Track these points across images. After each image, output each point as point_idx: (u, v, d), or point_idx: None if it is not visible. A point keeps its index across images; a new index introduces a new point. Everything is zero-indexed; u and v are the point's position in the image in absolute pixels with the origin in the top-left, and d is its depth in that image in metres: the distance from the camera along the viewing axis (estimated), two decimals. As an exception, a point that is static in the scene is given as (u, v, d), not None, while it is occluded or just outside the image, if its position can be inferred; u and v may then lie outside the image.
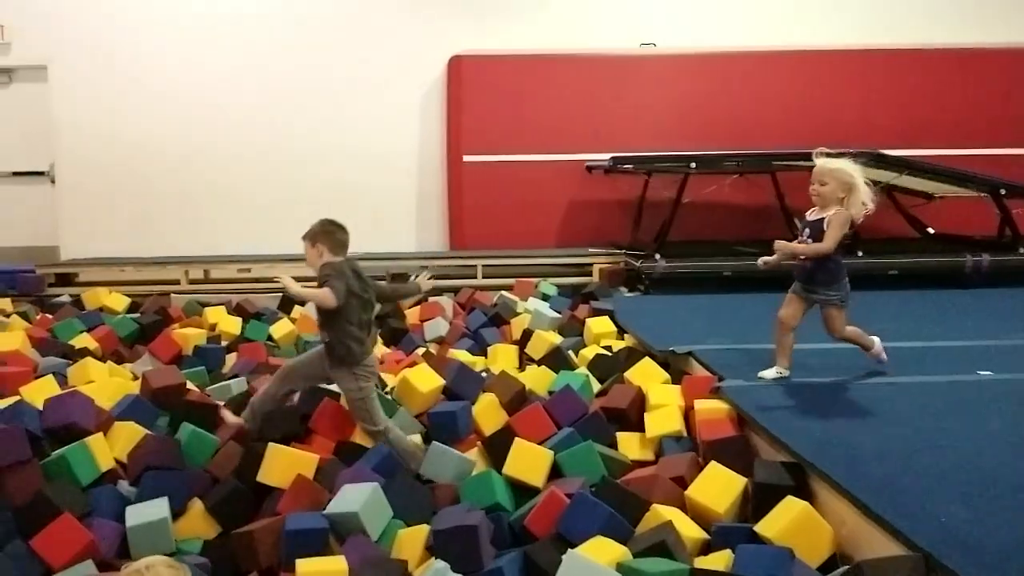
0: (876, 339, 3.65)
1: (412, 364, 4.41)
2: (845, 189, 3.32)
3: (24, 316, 5.49)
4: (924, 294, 6.05)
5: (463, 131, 7.78)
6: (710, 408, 3.30)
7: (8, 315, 5.40)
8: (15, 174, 8.33)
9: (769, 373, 3.54)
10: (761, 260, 3.61)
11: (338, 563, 2.34)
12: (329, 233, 3.36)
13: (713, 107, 7.77)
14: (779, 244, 3.50)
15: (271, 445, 3.01)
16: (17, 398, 3.45)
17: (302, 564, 2.31)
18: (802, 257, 3.46)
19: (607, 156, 6.58)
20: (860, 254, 6.20)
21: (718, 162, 6.46)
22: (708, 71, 7.86)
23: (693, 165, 6.31)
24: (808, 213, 3.51)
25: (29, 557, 2.50)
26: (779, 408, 3.18)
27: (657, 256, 6.26)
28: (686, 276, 6.28)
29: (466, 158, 7.76)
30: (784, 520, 2.38)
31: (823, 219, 3.36)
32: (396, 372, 4.30)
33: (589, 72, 7.80)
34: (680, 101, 7.81)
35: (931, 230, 7.15)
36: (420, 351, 4.92)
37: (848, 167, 3.36)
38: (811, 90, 7.82)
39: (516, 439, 3.08)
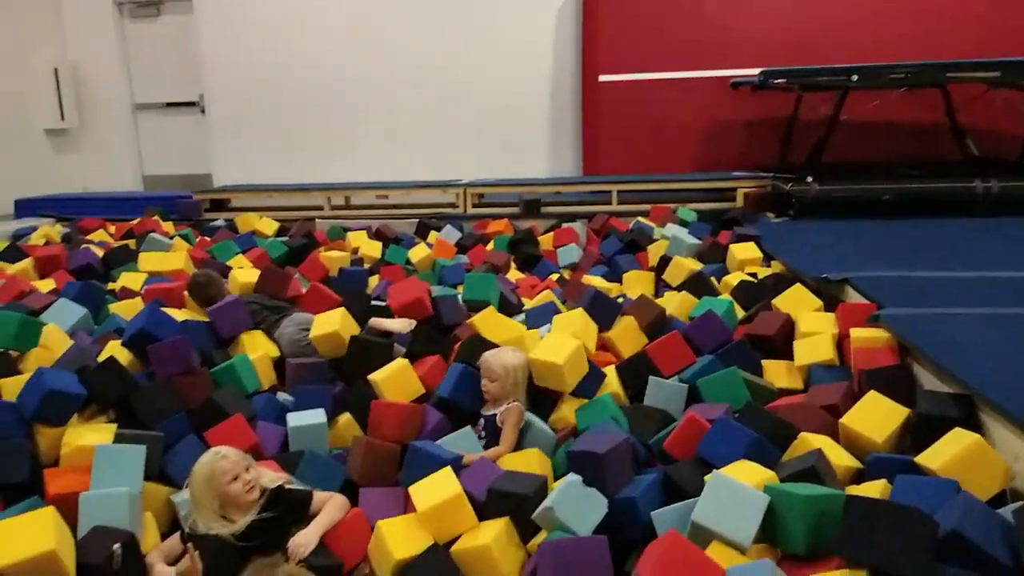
0: None
1: (547, 289, 4.40)
2: (512, 385, 2.86)
3: (185, 238, 5.87)
4: None
5: (600, 48, 7.48)
6: (868, 336, 3.08)
7: (171, 237, 5.78)
8: (168, 105, 8.84)
9: None
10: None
11: (453, 485, 2.35)
12: None
13: (875, 15, 7.09)
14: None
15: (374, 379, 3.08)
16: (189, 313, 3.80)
17: (414, 490, 2.38)
18: None
19: (755, 71, 6.16)
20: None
21: (883, 74, 5.86)
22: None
23: (855, 78, 5.76)
24: (484, 406, 2.96)
25: (203, 450, 2.67)
26: (945, 338, 2.91)
27: (809, 179, 5.85)
28: (841, 200, 5.85)
29: (602, 78, 7.49)
30: (950, 452, 2.20)
31: (495, 415, 2.85)
32: (531, 297, 4.30)
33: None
34: (838, 9, 7.16)
35: None
36: (554, 277, 4.89)
37: (516, 362, 2.89)
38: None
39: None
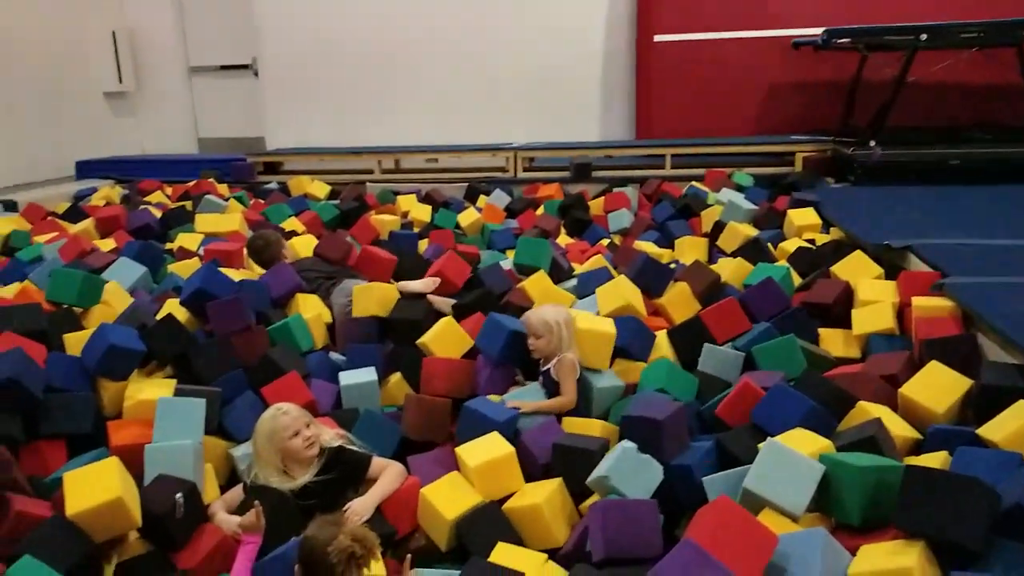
0: None
1: (597, 254, 4.36)
2: (558, 340, 2.80)
3: (240, 201, 5.96)
4: None
5: (655, 7, 7.30)
6: (930, 305, 3.00)
7: (227, 199, 5.88)
8: (222, 68, 8.91)
9: None
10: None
11: (503, 444, 2.38)
12: None
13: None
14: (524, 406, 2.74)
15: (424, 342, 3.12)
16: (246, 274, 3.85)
17: (463, 450, 2.40)
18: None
19: (818, 30, 5.94)
20: None
21: (953, 33, 5.62)
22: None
23: (923, 37, 5.54)
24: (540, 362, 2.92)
25: (259, 406, 2.73)
26: (1013, 308, 2.80)
27: (872, 143, 5.66)
28: (905, 165, 5.65)
29: (657, 38, 7.31)
30: (1015, 424, 2.14)
31: (549, 369, 2.82)
32: (581, 262, 4.26)
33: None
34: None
35: None
36: (604, 242, 4.84)
37: (558, 316, 2.84)
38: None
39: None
